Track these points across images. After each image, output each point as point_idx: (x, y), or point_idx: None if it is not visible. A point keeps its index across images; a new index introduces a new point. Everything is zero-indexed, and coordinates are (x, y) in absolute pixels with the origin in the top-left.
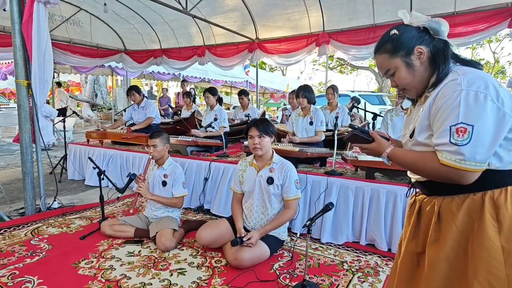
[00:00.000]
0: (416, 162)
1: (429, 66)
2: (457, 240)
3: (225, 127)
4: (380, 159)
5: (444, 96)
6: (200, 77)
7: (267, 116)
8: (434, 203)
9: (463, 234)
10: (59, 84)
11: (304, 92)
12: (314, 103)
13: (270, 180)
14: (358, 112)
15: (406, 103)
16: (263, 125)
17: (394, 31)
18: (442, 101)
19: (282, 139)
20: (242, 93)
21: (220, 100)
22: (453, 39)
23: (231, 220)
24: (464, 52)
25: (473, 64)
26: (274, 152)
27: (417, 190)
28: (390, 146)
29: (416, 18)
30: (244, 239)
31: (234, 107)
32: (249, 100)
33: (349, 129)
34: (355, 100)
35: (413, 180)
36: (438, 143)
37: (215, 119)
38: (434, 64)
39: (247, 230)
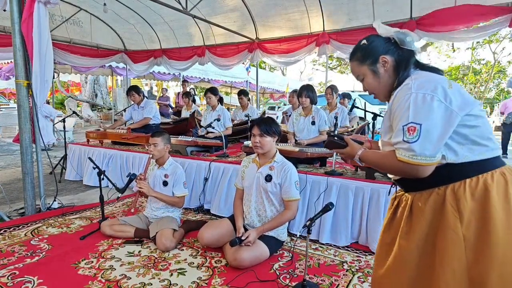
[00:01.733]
0: (381, 161)
1: (393, 73)
2: (426, 232)
3: (229, 128)
4: None
5: (399, 100)
6: (200, 77)
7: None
8: (408, 198)
9: (430, 226)
10: None
11: (308, 91)
12: (316, 103)
13: (268, 178)
14: (352, 112)
15: None
16: (265, 124)
17: (364, 41)
18: (397, 104)
19: (288, 141)
20: (242, 93)
21: (221, 100)
22: (453, 34)
23: (232, 219)
24: (465, 53)
25: (433, 69)
26: (278, 152)
27: (398, 188)
28: (361, 149)
29: (384, 29)
30: (242, 238)
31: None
32: (249, 100)
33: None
34: (345, 95)
35: (392, 179)
36: (395, 142)
37: (218, 120)
38: (397, 71)
39: (246, 229)
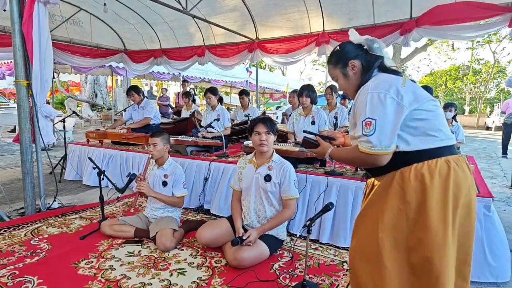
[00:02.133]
0: (347, 156)
1: (360, 76)
2: (378, 206)
3: (228, 128)
4: None
5: (360, 99)
6: (200, 77)
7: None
8: (374, 182)
9: (381, 201)
10: None
11: (308, 91)
12: (316, 103)
13: (268, 178)
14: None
15: None
16: (270, 122)
17: (337, 47)
18: (358, 102)
19: (288, 140)
20: (243, 93)
21: (220, 100)
22: (452, 32)
23: (231, 219)
24: (465, 53)
25: (392, 71)
26: (274, 151)
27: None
28: (330, 148)
29: (355, 36)
30: (243, 237)
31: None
32: (249, 100)
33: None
34: (346, 96)
35: (364, 168)
36: (357, 136)
37: (217, 119)
38: (363, 74)
39: (245, 229)
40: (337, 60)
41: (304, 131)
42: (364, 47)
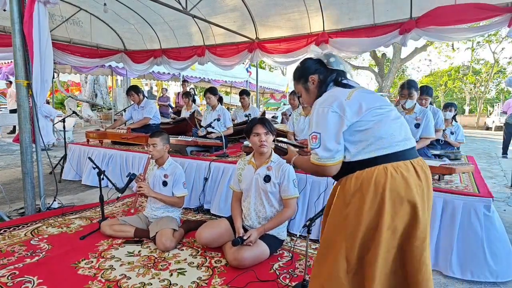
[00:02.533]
0: (304, 166)
1: (318, 90)
2: (330, 203)
3: (230, 127)
4: None
5: (311, 113)
6: (199, 77)
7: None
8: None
9: (331, 203)
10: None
11: None
12: None
13: (267, 178)
14: None
15: (409, 103)
16: (268, 123)
17: (299, 64)
18: (310, 117)
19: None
20: (244, 93)
21: (220, 100)
22: (452, 33)
23: (231, 219)
24: (465, 53)
25: (344, 85)
26: (273, 151)
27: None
28: (295, 156)
29: (315, 53)
30: (244, 238)
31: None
32: (249, 100)
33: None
34: None
35: None
36: (310, 148)
37: (218, 119)
38: (320, 88)
39: (245, 229)
40: (299, 76)
41: (277, 139)
42: (324, 62)
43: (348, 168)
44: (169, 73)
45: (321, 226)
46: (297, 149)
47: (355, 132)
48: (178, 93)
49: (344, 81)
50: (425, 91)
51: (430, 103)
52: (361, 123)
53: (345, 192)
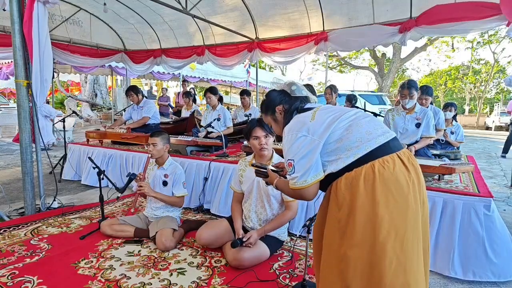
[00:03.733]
0: (285, 190)
1: (285, 119)
2: (321, 215)
3: (230, 127)
4: None
5: (282, 141)
6: (199, 77)
7: None
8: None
9: (324, 211)
10: None
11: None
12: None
13: None
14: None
15: (410, 103)
16: (266, 124)
17: (264, 97)
18: (282, 145)
19: None
20: (244, 93)
21: (221, 99)
22: (451, 27)
23: (231, 220)
24: (465, 53)
25: (306, 109)
26: (274, 152)
27: None
28: (277, 178)
29: (276, 84)
30: (244, 239)
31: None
32: (250, 100)
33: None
34: (352, 98)
35: None
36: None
37: (218, 119)
38: (287, 117)
39: (246, 231)
40: (266, 108)
41: (253, 165)
42: (287, 92)
43: (336, 174)
44: (169, 73)
45: (312, 230)
46: (275, 172)
47: (330, 145)
48: (178, 93)
49: (307, 106)
50: (425, 90)
51: (431, 103)
52: (333, 135)
53: (337, 194)
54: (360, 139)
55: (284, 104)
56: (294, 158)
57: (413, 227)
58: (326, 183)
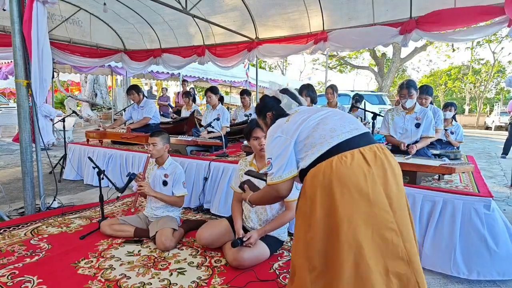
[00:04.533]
0: (261, 195)
1: (272, 123)
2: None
3: (227, 127)
4: None
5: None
6: (198, 76)
7: None
8: None
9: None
10: None
11: (308, 91)
12: (316, 103)
13: None
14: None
15: (409, 103)
16: None
17: (259, 101)
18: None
19: None
20: (245, 93)
21: (221, 99)
22: (452, 35)
23: (231, 219)
24: (464, 53)
25: (284, 115)
26: None
27: None
28: (249, 195)
29: (269, 90)
30: (244, 239)
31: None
32: (250, 99)
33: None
34: (358, 97)
35: None
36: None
37: (217, 119)
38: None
39: (246, 230)
40: (259, 112)
41: (246, 173)
42: (278, 98)
43: (306, 170)
44: (168, 73)
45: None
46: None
47: (300, 143)
48: (178, 92)
49: (284, 112)
50: (425, 90)
51: (431, 103)
52: (302, 134)
53: (305, 188)
54: (324, 136)
55: (273, 110)
56: (272, 156)
57: (368, 218)
58: (302, 179)
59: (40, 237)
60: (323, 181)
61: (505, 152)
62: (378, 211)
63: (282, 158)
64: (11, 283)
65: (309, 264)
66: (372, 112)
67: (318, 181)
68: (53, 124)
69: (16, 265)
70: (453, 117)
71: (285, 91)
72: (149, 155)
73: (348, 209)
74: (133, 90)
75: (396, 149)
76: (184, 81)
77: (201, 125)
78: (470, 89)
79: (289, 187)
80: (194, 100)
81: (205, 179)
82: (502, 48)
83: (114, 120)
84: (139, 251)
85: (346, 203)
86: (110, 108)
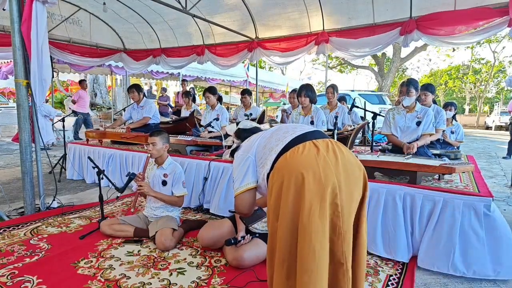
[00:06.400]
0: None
1: None
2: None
3: (224, 127)
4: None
5: None
6: (198, 76)
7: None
8: None
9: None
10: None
11: (307, 91)
12: (315, 103)
13: None
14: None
15: (407, 101)
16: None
17: (237, 129)
18: None
19: None
20: (245, 92)
21: (220, 99)
22: (452, 39)
23: (233, 220)
24: (464, 53)
25: (251, 133)
26: None
27: None
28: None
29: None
30: (239, 239)
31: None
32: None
33: None
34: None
35: None
36: None
37: (217, 119)
38: None
39: (251, 232)
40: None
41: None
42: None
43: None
44: (167, 72)
45: None
46: None
47: (259, 154)
48: (178, 92)
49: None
50: (426, 87)
51: (434, 102)
52: (260, 146)
53: (269, 187)
54: (279, 139)
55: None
56: (235, 171)
57: (321, 200)
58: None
59: (39, 237)
60: (277, 173)
61: (510, 153)
62: (327, 195)
63: (241, 171)
64: (11, 283)
65: (273, 248)
66: (372, 112)
67: (274, 175)
68: (52, 124)
69: (15, 265)
70: (453, 117)
71: (238, 131)
72: (149, 155)
73: (307, 194)
74: (134, 89)
75: (397, 149)
76: (183, 80)
77: (200, 125)
78: (470, 89)
79: (249, 199)
80: (194, 100)
81: (205, 179)
82: (503, 48)
83: (114, 120)
84: (138, 251)
85: (296, 191)
86: (109, 108)
